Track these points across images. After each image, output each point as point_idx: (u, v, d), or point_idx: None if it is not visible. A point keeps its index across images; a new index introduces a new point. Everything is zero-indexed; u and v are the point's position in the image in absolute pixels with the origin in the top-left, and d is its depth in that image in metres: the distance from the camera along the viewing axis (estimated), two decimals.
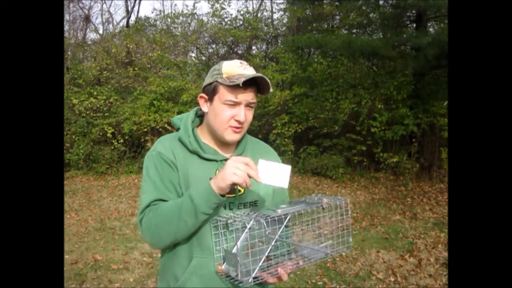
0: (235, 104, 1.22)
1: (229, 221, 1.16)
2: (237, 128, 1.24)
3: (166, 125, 8.20)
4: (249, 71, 1.21)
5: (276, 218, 1.14)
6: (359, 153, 8.06)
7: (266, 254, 1.16)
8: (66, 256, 4.11)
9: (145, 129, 8.25)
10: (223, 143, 1.31)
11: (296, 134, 8.55)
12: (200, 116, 1.38)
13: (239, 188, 1.28)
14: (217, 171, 1.26)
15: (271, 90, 1.24)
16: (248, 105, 1.24)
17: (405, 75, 8.10)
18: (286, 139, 8.10)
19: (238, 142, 1.36)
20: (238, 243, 1.17)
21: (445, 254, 4.22)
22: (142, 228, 1.25)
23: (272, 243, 1.16)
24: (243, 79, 1.16)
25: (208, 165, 1.27)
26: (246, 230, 1.18)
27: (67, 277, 3.61)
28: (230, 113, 1.22)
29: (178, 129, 1.34)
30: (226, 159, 1.28)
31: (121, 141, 8.60)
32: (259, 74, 1.20)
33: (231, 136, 1.26)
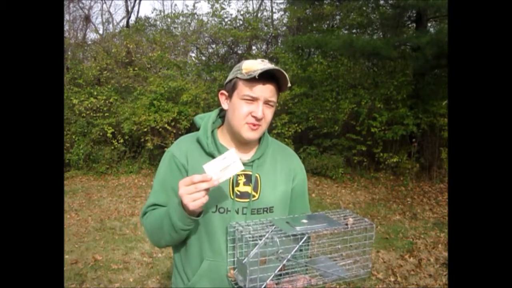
0: (253, 99, 1.20)
1: (243, 233, 1.13)
2: (254, 125, 1.22)
3: (166, 125, 8.18)
4: (268, 66, 1.19)
5: (292, 238, 1.10)
6: (359, 153, 8.06)
7: (276, 272, 1.13)
8: (66, 256, 4.11)
9: (145, 129, 8.24)
10: (242, 145, 1.29)
11: (296, 134, 8.55)
12: (223, 117, 1.35)
13: (253, 193, 1.26)
14: (232, 176, 1.24)
15: (289, 84, 1.22)
16: (267, 102, 1.22)
17: (405, 75, 8.09)
18: (286, 139, 8.10)
19: (258, 145, 1.34)
20: (250, 254, 1.15)
21: (445, 254, 4.22)
22: (144, 229, 1.32)
23: (284, 262, 1.14)
24: (259, 71, 1.15)
25: None
26: (260, 244, 1.15)
27: (67, 277, 3.60)
28: (247, 109, 1.21)
29: (199, 128, 1.33)
30: (243, 164, 1.27)
31: (121, 141, 8.59)
32: (276, 67, 1.18)
33: (248, 134, 1.23)
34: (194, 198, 1.08)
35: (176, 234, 1.20)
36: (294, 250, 1.14)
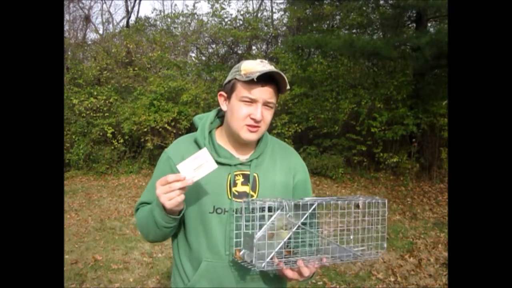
0: (252, 101, 1.19)
1: (252, 202, 1.12)
2: (253, 127, 1.21)
3: (166, 125, 8.19)
4: (267, 68, 1.18)
5: (301, 204, 1.08)
6: (359, 153, 8.06)
7: (285, 239, 1.11)
8: (66, 256, 4.11)
9: (145, 129, 8.24)
10: (240, 145, 1.28)
11: (296, 134, 8.55)
12: (222, 117, 1.35)
13: (251, 193, 1.25)
14: (229, 176, 1.25)
15: (288, 87, 1.21)
16: (265, 104, 1.21)
17: (405, 75, 8.10)
18: (286, 139, 8.10)
19: (256, 145, 1.32)
20: (263, 228, 1.12)
21: (445, 254, 4.22)
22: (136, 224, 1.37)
23: (294, 229, 1.11)
24: (258, 74, 1.14)
25: (221, 169, 1.24)
26: (273, 217, 1.13)
27: (67, 277, 3.60)
28: (246, 110, 1.20)
29: (198, 129, 1.33)
30: (240, 164, 1.26)
31: (121, 141, 8.59)
32: (275, 70, 1.17)
33: (246, 135, 1.23)
34: (170, 198, 1.10)
35: (159, 231, 1.21)
36: (304, 218, 1.11)
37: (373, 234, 1.14)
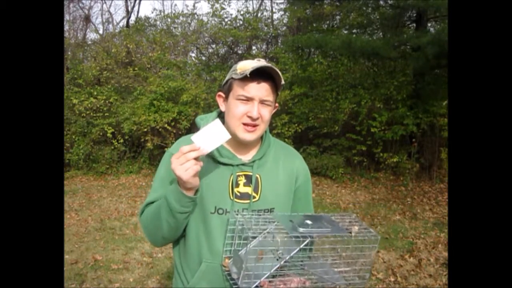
0: (248, 99, 1.19)
1: (243, 223, 1.12)
2: (250, 126, 1.21)
3: (166, 125, 8.18)
4: (261, 64, 1.17)
5: (293, 239, 1.08)
6: (359, 153, 8.06)
7: (272, 271, 1.11)
8: (66, 256, 4.11)
9: (145, 129, 8.24)
10: (241, 146, 1.28)
11: (296, 134, 8.55)
12: (223, 118, 1.33)
13: (254, 194, 1.24)
14: (232, 176, 1.24)
15: (282, 82, 1.20)
16: (262, 102, 1.20)
17: (405, 75, 8.10)
18: (286, 139, 8.10)
19: (260, 145, 1.32)
20: (248, 249, 1.13)
21: (445, 254, 4.22)
22: (141, 226, 1.31)
23: (281, 263, 1.11)
24: (251, 69, 1.14)
25: (223, 169, 1.24)
26: (258, 238, 1.13)
27: (67, 277, 3.60)
28: (243, 109, 1.19)
29: (200, 129, 1.33)
30: (242, 164, 1.26)
31: (121, 141, 8.59)
32: (268, 64, 1.16)
33: (243, 135, 1.22)
34: (186, 168, 1.09)
35: (173, 219, 1.18)
36: (293, 252, 1.11)
37: (359, 265, 1.14)
